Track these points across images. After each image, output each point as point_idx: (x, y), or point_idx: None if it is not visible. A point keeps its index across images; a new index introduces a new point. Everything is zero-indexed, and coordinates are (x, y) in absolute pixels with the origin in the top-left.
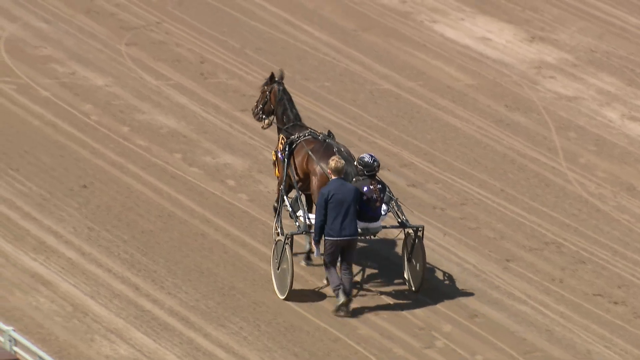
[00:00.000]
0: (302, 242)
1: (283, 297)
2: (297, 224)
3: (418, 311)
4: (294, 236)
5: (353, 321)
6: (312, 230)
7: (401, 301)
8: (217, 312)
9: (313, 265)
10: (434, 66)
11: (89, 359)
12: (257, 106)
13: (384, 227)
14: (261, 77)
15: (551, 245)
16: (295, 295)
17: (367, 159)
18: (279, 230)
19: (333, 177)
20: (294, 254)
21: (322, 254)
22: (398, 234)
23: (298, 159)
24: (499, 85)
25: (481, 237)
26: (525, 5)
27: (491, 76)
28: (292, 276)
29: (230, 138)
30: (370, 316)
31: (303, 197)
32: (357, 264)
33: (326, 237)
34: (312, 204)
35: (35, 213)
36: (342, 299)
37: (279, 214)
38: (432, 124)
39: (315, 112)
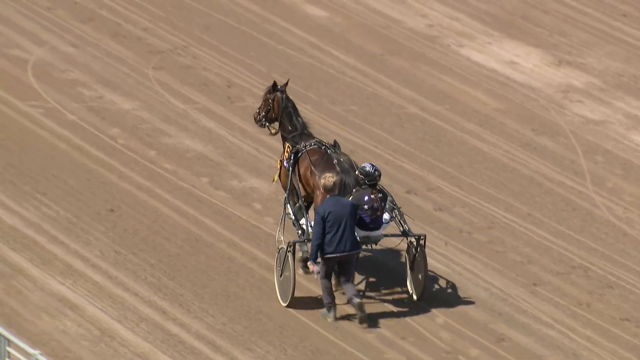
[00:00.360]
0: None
1: (285, 305)
2: (300, 231)
3: (445, 335)
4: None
5: (379, 345)
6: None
7: (427, 324)
8: (243, 335)
9: (310, 273)
10: (460, 90)
11: None
12: (259, 113)
13: (386, 235)
14: None
15: (578, 270)
16: (318, 319)
17: (368, 168)
18: (282, 238)
19: (327, 195)
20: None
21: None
22: (399, 243)
23: (302, 169)
24: (526, 109)
25: (508, 261)
26: (553, 29)
27: (518, 100)
28: (294, 284)
29: (257, 162)
30: (396, 340)
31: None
32: (379, 283)
33: (327, 255)
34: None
35: (62, 237)
36: (331, 315)
37: (282, 222)
38: (459, 148)
39: (341, 136)
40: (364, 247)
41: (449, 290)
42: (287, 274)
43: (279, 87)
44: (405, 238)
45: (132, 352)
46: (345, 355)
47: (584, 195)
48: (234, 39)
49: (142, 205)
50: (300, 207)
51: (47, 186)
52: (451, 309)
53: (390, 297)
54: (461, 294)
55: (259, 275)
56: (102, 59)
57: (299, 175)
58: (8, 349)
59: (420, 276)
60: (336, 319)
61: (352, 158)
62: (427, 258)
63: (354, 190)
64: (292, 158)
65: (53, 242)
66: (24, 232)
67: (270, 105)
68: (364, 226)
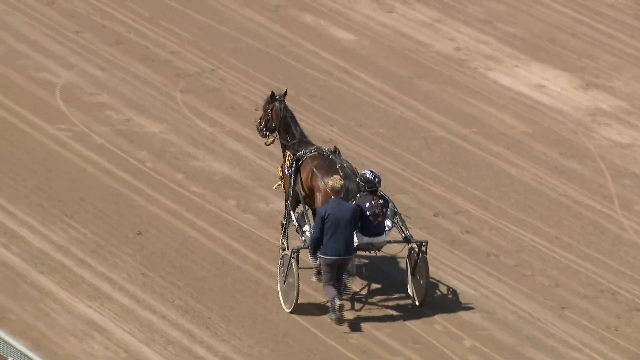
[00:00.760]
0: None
1: (289, 310)
2: (303, 238)
3: (473, 358)
4: (300, 251)
5: None
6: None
7: (455, 348)
8: (270, 358)
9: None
10: (488, 113)
11: None
12: (260, 123)
13: (389, 242)
14: (315, 124)
15: (606, 293)
16: (346, 341)
17: (368, 175)
18: (285, 245)
19: (332, 197)
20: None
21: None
22: (401, 250)
23: (304, 175)
24: (553, 133)
25: (536, 285)
26: (581, 52)
27: (546, 123)
28: (298, 290)
29: None
30: None
31: (309, 212)
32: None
33: (321, 256)
34: None
35: (90, 260)
36: (334, 316)
37: (285, 229)
38: (487, 171)
39: (369, 159)
40: (367, 254)
41: (477, 314)
42: (291, 280)
43: (277, 96)
44: (406, 244)
45: None
46: None
47: (612, 219)
48: (262, 62)
49: (169, 228)
50: (303, 214)
51: (75, 209)
52: (479, 332)
53: (419, 322)
54: (489, 317)
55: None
56: (130, 82)
57: (301, 181)
58: None
59: (422, 282)
60: (344, 320)
61: (353, 165)
62: (429, 265)
63: (357, 195)
64: (293, 165)
65: (81, 265)
66: (52, 255)
67: (269, 115)
68: (367, 232)
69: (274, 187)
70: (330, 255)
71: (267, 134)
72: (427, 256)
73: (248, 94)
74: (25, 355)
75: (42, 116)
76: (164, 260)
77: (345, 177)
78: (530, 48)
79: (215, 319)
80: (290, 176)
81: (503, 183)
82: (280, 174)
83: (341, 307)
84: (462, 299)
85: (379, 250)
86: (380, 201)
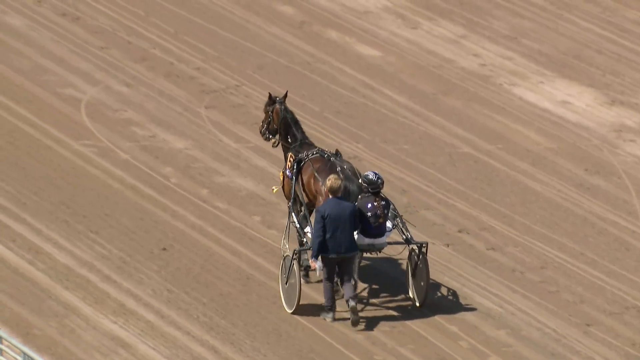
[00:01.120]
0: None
1: (291, 311)
2: (305, 240)
3: None
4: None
5: None
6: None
7: None
8: None
9: (311, 282)
10: (513, 129)
11: None
12: (262, 126)
13: (390, 243)
14: (340, 140)
15: (632, 310)
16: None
17: (371, 176)
18: (287, 246)
19: (330, 197)
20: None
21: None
22: (402, 251)
23: (305, 177)
24: (578, 149)
25: (561, 301)
26: (606, 69)
27: (571, 139)
28: (300, 291)
29: None
30: None
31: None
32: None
33: (322, 254)
34: None
35: (115, 276)
36: (330, 316)
37: (287, 231)
38: (512, 187)
39: (394, 175)
40: (368, 255)
41: (502, 330)
42: (293, 281)
43: (276, 98)
44: (407, 245)
45: None
46: None
47: (637, 235)
48: (287, 79)
49: (194, 244)
50: (304, 216)
51: (100, 225)
52: (504, 349)
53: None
54: (514, 334)
55: (310, 314)
56: (155, 98)
57: (303, 183)
58: None
59: (422, 283)
60: (334, 319)
61: (355, 166)
62: (430, 266)
63: (359, 197)
64: (295, 167)
65: (106, 281)
66: (77, 271)
67: (271, 117)
68: (368, 233)
69: (273, 192)
70: (332, 254)
71: (270, 136)
72: (428, 258)
73: None
74: None
75: (68, 132)
76: (189, 276)
77: (345, 178)
78: (555, 64)
79: (240, 335)
80: (292, 178)
81: (528, 199)
82: (282, 178)
83: (354, 308)
84: (487, 316)
85: (379, 252)
86: (382, 203)
